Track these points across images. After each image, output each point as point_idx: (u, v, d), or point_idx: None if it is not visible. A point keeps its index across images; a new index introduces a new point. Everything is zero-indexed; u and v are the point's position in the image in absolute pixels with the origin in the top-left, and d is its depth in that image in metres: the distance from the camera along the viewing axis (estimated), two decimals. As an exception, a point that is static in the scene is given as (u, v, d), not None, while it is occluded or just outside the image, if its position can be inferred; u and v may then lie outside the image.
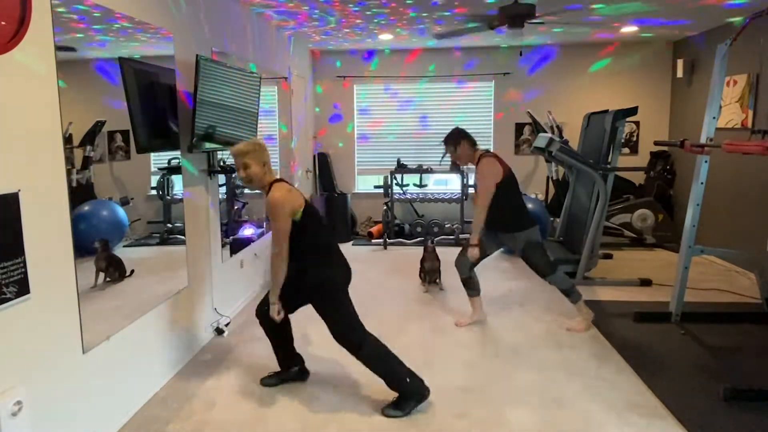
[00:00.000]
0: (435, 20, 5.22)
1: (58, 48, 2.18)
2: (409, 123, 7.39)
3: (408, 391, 2.77)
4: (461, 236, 6.75)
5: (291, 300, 2.91)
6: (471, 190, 6.77)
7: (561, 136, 6.37)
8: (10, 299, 1.92)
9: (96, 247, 2.58)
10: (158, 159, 3.27)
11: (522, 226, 3.74)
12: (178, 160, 3.38)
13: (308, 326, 3.89)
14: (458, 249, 6.36)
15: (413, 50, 7.20)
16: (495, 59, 7.12)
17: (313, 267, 2.79)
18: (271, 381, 3.11)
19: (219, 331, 3.84)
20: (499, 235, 3.86)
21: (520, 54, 6.99)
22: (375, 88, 7.37)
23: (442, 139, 3.84)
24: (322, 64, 7.35)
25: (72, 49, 2.34)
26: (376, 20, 5.25)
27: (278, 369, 3.14)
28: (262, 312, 2.94)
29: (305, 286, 2.81)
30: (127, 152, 2.82)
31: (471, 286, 4.00)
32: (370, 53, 7.29)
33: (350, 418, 2.75)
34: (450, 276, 5.18)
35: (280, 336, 3.06)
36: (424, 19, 5.20)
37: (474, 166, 3.79)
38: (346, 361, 3.39)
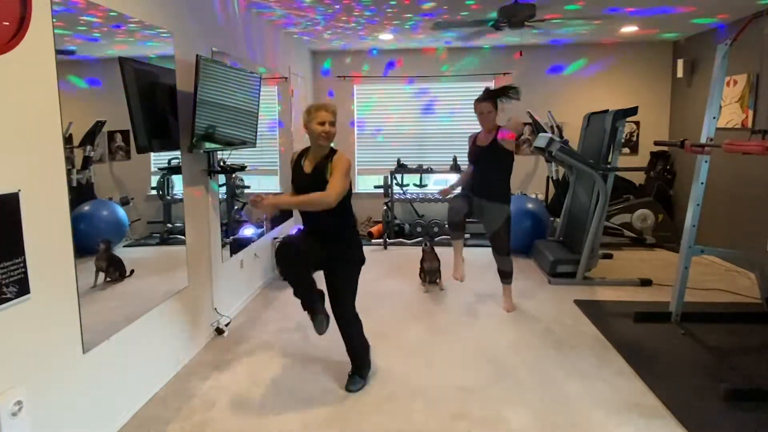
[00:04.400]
0: (434, 18, 5.22)
1: (58, 51, 2.18)
2: (409, 123, 7.39)
3: (368, 361, 3.17)
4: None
5: (319, 254, 2.90)
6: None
7: (561, 136, 6.37)
8: (10, 299, 1.92)
9: (99, 246, 2.59)
10: (158, 159, 3.27)
11: (510, 199, 4.12)
12: (178, 160, 3.38)
13: (308, 329, 3.88)
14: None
15: (413, 50, 7.20)
16: (495, 59, 7.12)
17: (356, 239, 3.05)
18: (321, 323, 2.86)
19: (219, 331, 3.84)
20: (484, 204, 4.07)
21: (520, 54, 6.98)
22: (375, 88, 7.37)
23: (485, 94, 4.04)
24: (322, 63, 7.35)
25: (71, 52, 2.34)
26: (375, 18, 5.24)
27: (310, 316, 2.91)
28: (286, 254, 2.80)
29: (348, 257, 2.98)
30: (127, 152, 2.82)
31: (463, 228, 4.29)
32: (371, 53, 7.28)
33: (350, 418, 2.75)
34: (450, 276, 5.18)
35: (304, 277, 2.86)
36: (423, 18, 5.20)
37: (487, 134, 4.08)
38: (346, 360, 3.40)
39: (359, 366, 3.12)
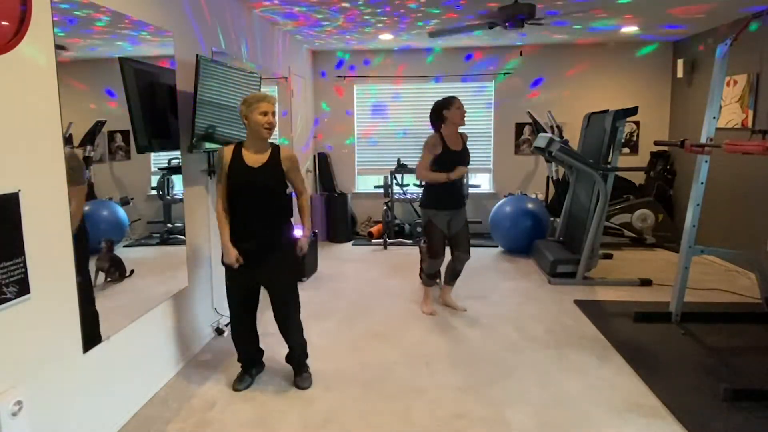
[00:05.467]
0: (435, 18, 5.22)
1: (58, 47, 2.17)
2: (409, 123, 7.39)
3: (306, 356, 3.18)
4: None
5: (255, 283, 2.98)
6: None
7: (561, 136, 6.37)
8: (10, 299, 1.92)
9: (101, 246, 2.59)
10: (158, 159, 3.27)
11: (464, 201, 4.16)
12: (178, 160, 3.38)
13: (308, 329, 3.89)
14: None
15: (413, 50, 7.20)
16: (495, 59, 7.12)
17: (291, 242, 3.02)
18: (245, 383, 3.10)
19: (219, 331, 3.84)
20: (454, 214, 4.07)
21: (520, 54, 6.99)
22: (375, 88, 7.37)
23: (452, 97, 4.01)
24: (322, 63, 7.35)
25: (62, 48, 2.34)
26: (374, 19, 5.25)
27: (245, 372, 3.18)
28: (240, 340, 3.11)
29: (285, 265, 2.97)
30: (127, 152, 2.82)
31: (437, 277, 4.39)
32: (371, 53, 7.29)
33: (350, 417, 2.75)
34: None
35: (252, 332, 3.16)
36: (423, 18, 5.20)
37: (455, 137, 4.01)
38: (346, 360, 3.40)
39: (301, 364, 3.16)
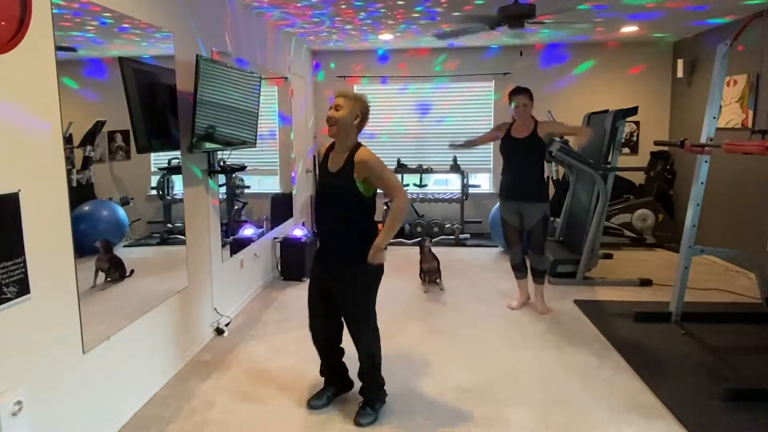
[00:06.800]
0: (435, 19, 5.22)
1: (59, 48, 2.18)
2: (409, 123, 7.39)
3: (382, 393, 2.83)
4: (461, 236, 6.75)
5: (329, 293, 2.68)
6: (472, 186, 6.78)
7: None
8: (10, 299, 1.92)
9: (97, 247, 2.58)
10: (158, 159, 3.27)
11: (547, 196, 4.10)
12: (178, 160, 3.38)
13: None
14: (458, 248, 6.37)
15: (413, 50, 7.20)
16: (495, 59, 7.12)
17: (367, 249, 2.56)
18: (320, 402, 2.84)
19: (219, 331, 3.84)
20: (522, 206, 4.05)
21: (520, 54, 6.98)
22: (375, 88, 7.37)
23: (518, 88, 4.02)
24: (321, 63, 7.34)
25: (72, 50, 2.34)
26: (372, 19, 5.24)
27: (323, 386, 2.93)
28: (321, 333, 2.81)
29: (357, 272, 2.58)
30: (127, 152, 2.82)
31: (522, 269, 4.33)
32: (371, 53, 7.28)
33: (350, 418, 2.75)
34: (450, 276, 5.18)
35: (332, 348, 2.88)
36: (424, 18, 5.20)
37: (523, 126, 4.02)
38: (345, 360, 3.40)
39: (371, 394, 2.77)
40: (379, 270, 2.63)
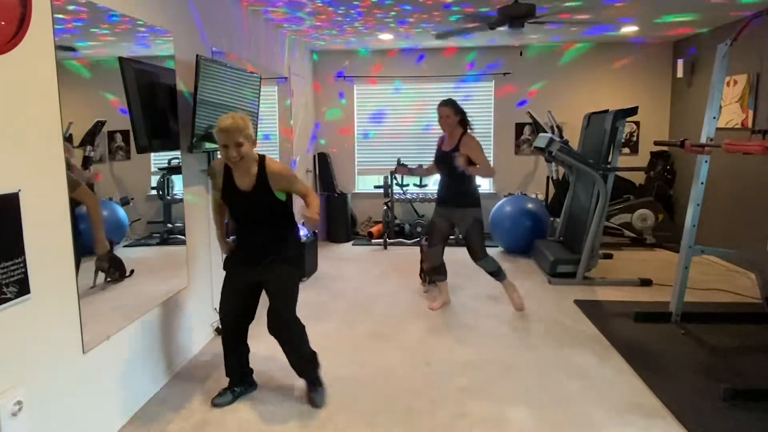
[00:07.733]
0: (435, 20, 5.22)
1: (59, 47, 2.18)
2: (409, 123, 7.39)
3: (318, 367, 2.96)
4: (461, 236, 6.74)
5: (250, 287, 2.83)
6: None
7: (561, 136, 6.37)
8: (10, 299, 1.92)
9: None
10: (158, 159, 3.27)
11: (477, 201, 4.11)
12: (178, 160, 3.38)
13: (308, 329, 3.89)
14: (458, 248, 6.37)
15: (413, 50, 7.20)
16: (495, 59, 7.12)
17: (297, 242, 2.90)
18: (224, 399, 2.90)
19: (219, 331, 3.83)
20: (452, 212, 4.12)
21: (520, 54, 6.98)
22: (375, 88, 7.37)
23: (443, 101, 4.08)
24: (322, 63, 7.35)
25: (73, 50, 2.34)
26: (374, 19, 5.25)
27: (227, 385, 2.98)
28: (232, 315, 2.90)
29: (283, 258, 2.78)
30: (127, 152, 2.82)
31: (442, 271, 4.39)
32: (371, 53, 7.28)
33: (351, 418, 2.75)
34: (450, 276, 5.17)
35: (242, 343, 2.99)
36: (424, 19, 5.20)
37: (449, 139, 4.06)
38: (346, 360, 3.40)
39: (312, 376, 2.93)
40: (301, 257, 3.01)
